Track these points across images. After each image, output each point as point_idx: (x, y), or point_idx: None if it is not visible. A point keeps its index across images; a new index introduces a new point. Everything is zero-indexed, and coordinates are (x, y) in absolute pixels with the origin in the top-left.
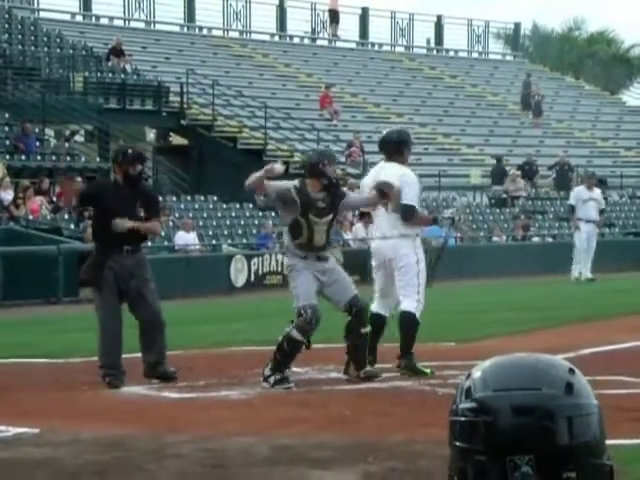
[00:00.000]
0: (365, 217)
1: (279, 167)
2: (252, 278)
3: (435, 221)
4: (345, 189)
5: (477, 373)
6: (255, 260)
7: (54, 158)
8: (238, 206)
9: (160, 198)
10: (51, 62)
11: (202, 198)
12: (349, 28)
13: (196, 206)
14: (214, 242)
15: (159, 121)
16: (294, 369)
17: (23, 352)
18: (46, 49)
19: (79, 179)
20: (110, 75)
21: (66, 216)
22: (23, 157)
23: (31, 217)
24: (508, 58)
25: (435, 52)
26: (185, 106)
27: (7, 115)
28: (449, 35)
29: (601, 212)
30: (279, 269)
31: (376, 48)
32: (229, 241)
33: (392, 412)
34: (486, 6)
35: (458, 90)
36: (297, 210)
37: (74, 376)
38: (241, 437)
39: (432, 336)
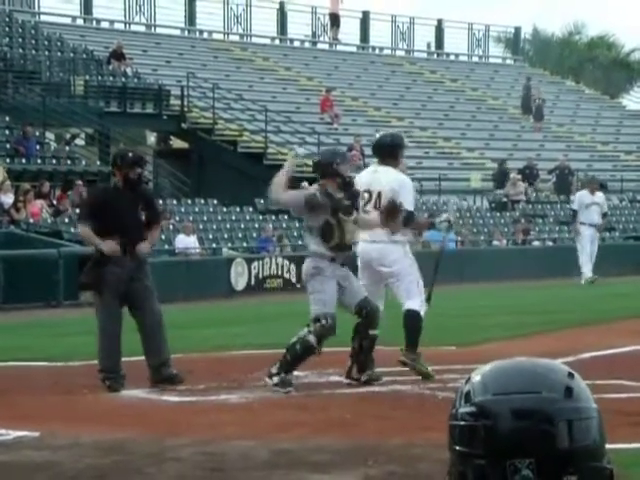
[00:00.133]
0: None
1: (299, 152)
2: (252, 282)
3: (432, 225)
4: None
5: (477, 377)
6: (255, 264)
7: (54, 162)
8: (238, 209)
9: (160, 201)
10: (52, 65)
11: (202, 201)
12: (350, 32)
13: (196, 209)
14: (214, 245)
15: (160, 124)
16: (295, 373)
17: (23, 355)
18: (47, 52)
19: (79, 182)
20: (111, 78)
21: (66, 220)
22: (24, 160)
23: (31, 220)
24: (508, 62)
25: (435, 56)
26: (186, 109)
27: (8, 118)
28: (449, 39)
29: (604, 215)
30: (279, 273)
31: (377, 52)
32: (229, 244)
33: (392, 416)
34: (486, 10)
35: (458, 94)
36: (327, 211)
37: (74, 379)
38: (241, 441)
39: (432, 340)
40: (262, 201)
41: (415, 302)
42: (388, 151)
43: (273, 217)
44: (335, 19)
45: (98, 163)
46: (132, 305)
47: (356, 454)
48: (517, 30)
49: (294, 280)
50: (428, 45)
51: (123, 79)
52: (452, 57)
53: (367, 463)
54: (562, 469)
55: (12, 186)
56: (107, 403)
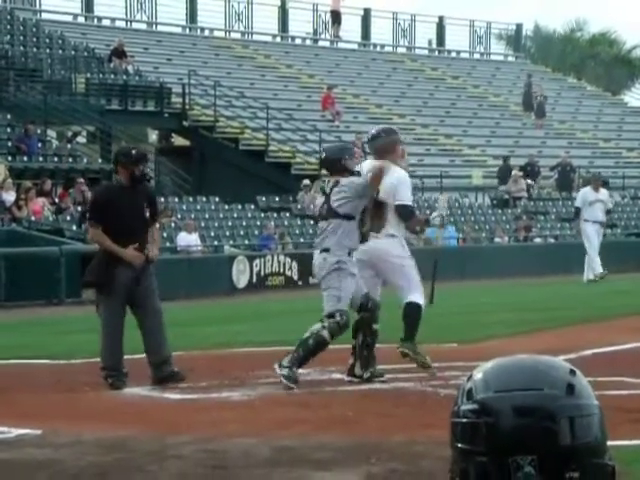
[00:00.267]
0: None
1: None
2: (254, 279)
3: (427, 222)
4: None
5: (478, 374)
6: (257, 261)
7: (56, 159)
8: (240, 207)
9: (162, 199)
10: (53, 63)
11: (204, 199)
12: (351, 29)
13: (198, 207)
14: (216, 243)
15: (161, 122)
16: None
17: (25, 353)
18: (48, 50)
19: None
20: (112, 76)
21: (68, 217)
22: (25, 158)
23: (33, 218)
24: (510, 59)
25: (437, 53)
26: (187, 107)
27: (9, 116)
28: (451, 36)
29: (608, 212)
30: (281, 270)
31: (378, 49)
32: (231, 242)
33: (394, 413)
34: (488, 7)
35: (460, 91)
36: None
37: (76, 377)
38: (242, 438)
39: (434, 337)
40: (264, 198)
41: (417, 295)
42: (383, 147)
43: (275, 215)
44: (336, 16)
45: (100, 161)
46: (134, 303)
47: (358, 452)
48: (519, 27)
49: (296, 278)
50: (429, 42)
51: (124, 77)
52: (453, 54)
53: (369, 460)
54: (564, 466)
55: (14, 184)
56: (109, 401)
